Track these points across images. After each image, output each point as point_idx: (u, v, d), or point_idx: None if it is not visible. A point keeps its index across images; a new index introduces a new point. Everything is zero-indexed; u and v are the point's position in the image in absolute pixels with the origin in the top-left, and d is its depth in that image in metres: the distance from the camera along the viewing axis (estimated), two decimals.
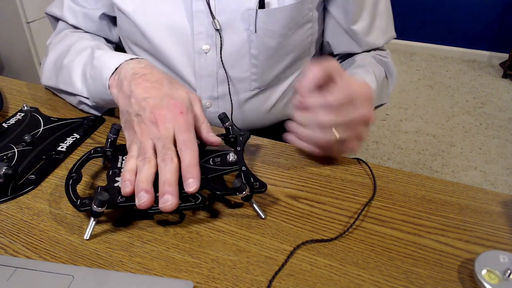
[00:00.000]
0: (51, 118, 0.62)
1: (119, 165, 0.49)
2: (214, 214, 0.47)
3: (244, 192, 0.44)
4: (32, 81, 0.74)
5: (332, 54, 0.79)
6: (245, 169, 0.48)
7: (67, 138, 0.58)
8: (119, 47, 0.79)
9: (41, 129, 0.60)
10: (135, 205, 0.43)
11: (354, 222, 0.46)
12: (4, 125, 0.60)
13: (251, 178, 0.47)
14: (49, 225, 0.45)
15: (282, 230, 0.45)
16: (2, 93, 0.66)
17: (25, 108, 0.64)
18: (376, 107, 0.72)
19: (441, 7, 2.86)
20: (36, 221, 0.46)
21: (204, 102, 0.72)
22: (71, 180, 0.47)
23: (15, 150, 0.55)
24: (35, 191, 0.50)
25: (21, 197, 0.49)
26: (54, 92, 0.69)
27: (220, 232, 0.44)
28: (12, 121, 0.61)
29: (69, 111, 0.65)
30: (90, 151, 0.51)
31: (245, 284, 0.39)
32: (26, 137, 0.56)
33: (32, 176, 0.51)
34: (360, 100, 0.48)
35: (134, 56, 0.55)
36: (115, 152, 0.51)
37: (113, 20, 0.75)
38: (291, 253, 0.42)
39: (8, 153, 0.54)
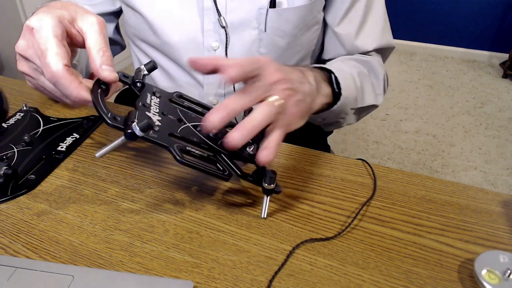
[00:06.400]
0: (51, 118, 0.62)
1: (148, 101, 0.46)
2: (214, 214, 0.47)
3: (273, 185, 0.44)
4: None
5: (324, 61, 0.78)
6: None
7: (67, 138, 0.58)
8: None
9: (40, 129, 0.60)
10: (165, 146, 0.41)
11: (352, 221, 0.46)
12: (4, 125, 0.60)
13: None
14: (49, 225, 0.45)
15: (282, 230, 0.45)
16: (2, 93, 0.66)
17: (25, 108, 0.64)
18: (364, 109, 0.68)
19: (441, 7, 2.86)
20: (36, 221, 0.46)
21: (211, 99, 0.72)
22: (100, 90, 0.43)
23: (15, 150, 0.55)
24: (35, 191, 0.50)
25: (21, 197, 0.49)
26: None
27: (220, 232, 0.44)
28: (11, 121, 0.61)
29: (69, 111, 0.65)
30: (118, 73, 0.46)
31: (245, 284, 0.39)
32: (25, 137, 0.56)
33: (32, 176, 0.51)
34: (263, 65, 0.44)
35: None
36: (142, 87, 0.47)
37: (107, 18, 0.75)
38: (291, 253, 0.42)
39: (8, 153, 0.54)
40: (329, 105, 0.59)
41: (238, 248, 0.43)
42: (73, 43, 0.47)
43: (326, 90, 0.57)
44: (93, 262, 0.41)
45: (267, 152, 0.43)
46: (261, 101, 0.44)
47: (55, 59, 0.42)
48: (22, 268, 0.39)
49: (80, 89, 0.42)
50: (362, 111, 0.69)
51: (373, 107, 0.70)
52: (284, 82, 0.46)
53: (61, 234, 0.44)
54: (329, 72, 0.59)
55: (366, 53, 0.72)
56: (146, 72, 0.48)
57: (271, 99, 0.43)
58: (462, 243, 0.43)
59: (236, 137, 0.40)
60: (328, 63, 0.68)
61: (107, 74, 0.44)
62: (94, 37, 0.45)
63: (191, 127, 0.46)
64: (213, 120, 0.40)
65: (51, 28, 0.43)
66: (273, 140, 0.43)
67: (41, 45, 0.42)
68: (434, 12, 2.89)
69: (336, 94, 0.59)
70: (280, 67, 0.47)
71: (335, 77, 0.59)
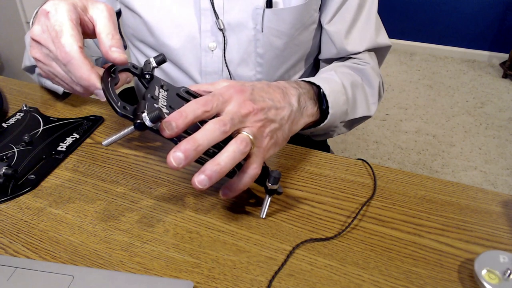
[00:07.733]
0: (51, 118, 0.62)
1: (156, 93, 0.45)
2: (214, 214, 0.47)
3: (276, 185, 0.43)
4: (32, 81, 0.74)
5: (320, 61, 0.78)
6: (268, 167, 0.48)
7: (67, 138, 0.58)
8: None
9: (40, 129, 0.60)
10: (172, 139, 0.41)
11: (352, 221, 0.46)
12: (4, 125, 0.60)
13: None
14: (49, 225, 0.45)
15: (282, 230, 0.45)
16: (2, 93, 0.66)
17: (25, 108, 0.64)
18: (356, 121, 0.68)
19: (441, 7, 2.86)
20: (36, 221, 0.46)
21: None
22: (110, 78, 0.44)
23: (15, 150, 0.55)
24: (35, 191, 0.50)
25: (21, 197, 0.49)
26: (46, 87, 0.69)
27: (220, 232, 0.44)
28: (11, 121, 0.61)
29: (69, 111, 0.65)
30: (128, 63, 0.46)
31: (245, 284, 0.39)
32: (25, 137, 0.56)
33: (32, 176, 0.51)
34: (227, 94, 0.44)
35: None
36: (151, 79, 0.47)
37: None
38: (290, 253, 0.42)
39: (8, 153, 0.54)
40: (315, 122, 0.58)
41: (238, 248, 0.43)
42: (84, 32, 0.47)
43: (311, 110, 0.55)
44: (93, 262, 0.41)
45: (227, 192, 0.45)
46: (234, 132, 0.43)
47: (70, 40, 0.43)
48: (22, 268, 0.39)
49: (91, 73, 0.43)
50: (353, 123, 0.68)
51: (366, 117, 0.69)
52: (255, 113, 0.45)
53: (61, 234, 0.44)
54: (318, 87, 0.57)
55: (357, 53, 0.71)
56: (155, 65, 0.48)
57: (241, 134, 0.43)
58: (462, 243, 0.43)
59: (203, 182, 0.40)
60: (320, 71, 0.68)
61: (117, 55, 0.44)
62: (103, 23, 0.46)
63: (197, 122, 0.46)
64: (178, 154, 0.38)
65: (66, 12, 0.44)
66: (240, 184, 0.44)
67: (56, 27, 0.43)
68: (434, 12, 2.89)
69: (324, 110, 0.58)
70: (252, 95, 0.46)
71: (324, 94, 0.57)
